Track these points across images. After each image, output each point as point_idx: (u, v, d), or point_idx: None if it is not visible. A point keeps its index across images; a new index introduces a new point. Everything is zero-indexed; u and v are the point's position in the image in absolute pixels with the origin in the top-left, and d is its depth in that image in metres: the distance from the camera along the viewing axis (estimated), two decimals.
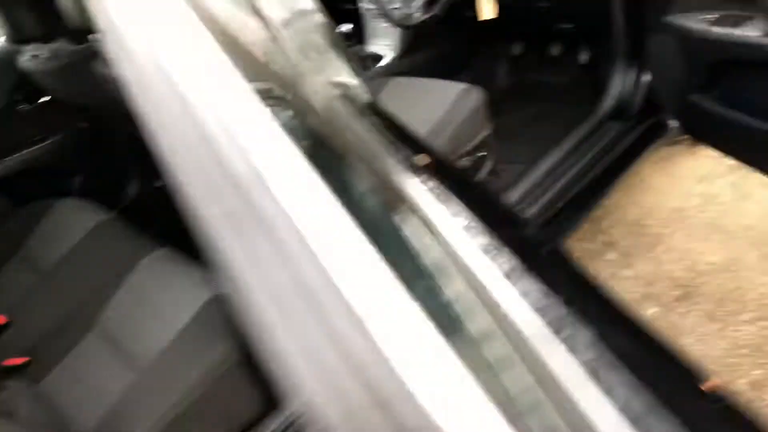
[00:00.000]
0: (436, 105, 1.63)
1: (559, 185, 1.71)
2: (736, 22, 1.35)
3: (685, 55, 1.51)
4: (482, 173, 1.71)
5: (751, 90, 1.39)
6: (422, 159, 0.62)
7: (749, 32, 1.30)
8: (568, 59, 2.21)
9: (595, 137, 1.85)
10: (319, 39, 0.66)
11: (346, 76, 0.67)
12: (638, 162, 1.90)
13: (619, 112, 1.87)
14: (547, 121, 2.14)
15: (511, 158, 1.92)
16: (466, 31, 1.90)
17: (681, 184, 2.03)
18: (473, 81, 2.43)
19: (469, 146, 1.64)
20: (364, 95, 0.68)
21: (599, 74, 1.96)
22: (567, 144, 1.81)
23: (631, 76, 1.84)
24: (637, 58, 1.79)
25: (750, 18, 1.33)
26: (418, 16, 1.84)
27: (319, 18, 0.68)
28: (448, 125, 1.57)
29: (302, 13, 0.67)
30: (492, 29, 2.14)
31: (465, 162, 1.64)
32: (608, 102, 1.88)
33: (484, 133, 1.67)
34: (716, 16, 1.39)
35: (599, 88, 1.94)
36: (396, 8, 1.93)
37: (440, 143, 1.55)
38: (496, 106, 2.38)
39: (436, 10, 1.76)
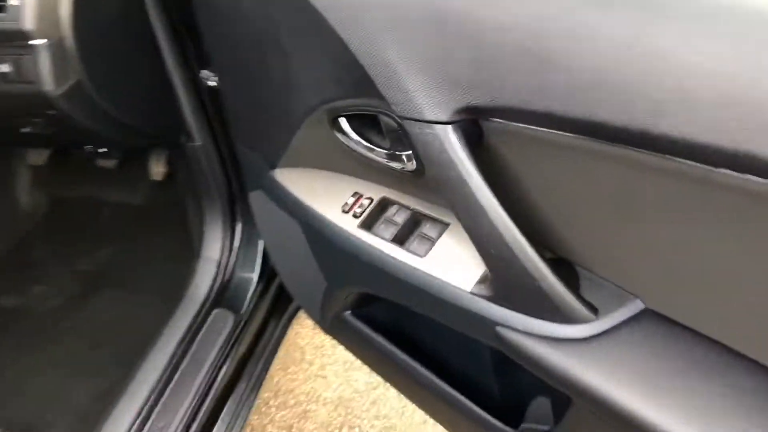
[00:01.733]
0: None
1: None
2: (408, 233, 0.73)
3: (316, 254, 0.87)
4: None
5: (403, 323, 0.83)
6: None
7: (410, 260, 0.70)
8: (133, 173, 1.41)
9: (200, 337, 1.10)
10: None
11: None
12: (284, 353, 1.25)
13: (227, 294, 1.16)
14: (106, 288, 1.31)
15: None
16: None
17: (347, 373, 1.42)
18: None
19: None
20: None
21: (188, 218, 1.24)
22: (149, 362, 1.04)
23: (239, 243, 1.16)
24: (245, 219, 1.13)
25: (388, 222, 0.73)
26: None
27: None
28: None
29: None
30: None
31: None
32: (206, 281, 1.12)
33: None
34: (365, 209, 0.77)
35: (189, 232, 1.21)
36: None
37: None
38: (15, 250, 1.41)
39: None
